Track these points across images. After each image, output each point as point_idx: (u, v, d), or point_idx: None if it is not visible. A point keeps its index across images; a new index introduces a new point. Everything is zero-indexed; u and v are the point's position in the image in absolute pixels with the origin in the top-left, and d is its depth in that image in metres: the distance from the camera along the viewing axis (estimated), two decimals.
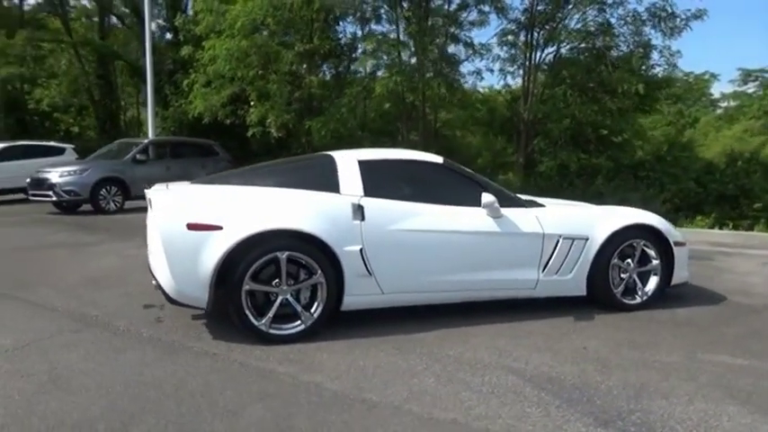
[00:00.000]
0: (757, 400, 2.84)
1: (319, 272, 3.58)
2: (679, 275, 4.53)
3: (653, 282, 4.44)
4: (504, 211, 4.07)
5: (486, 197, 3.93)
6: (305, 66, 14.72)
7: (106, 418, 2.58)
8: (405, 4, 13.72)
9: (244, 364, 3.22)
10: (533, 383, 2.99)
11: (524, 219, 4.11)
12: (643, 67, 13.69)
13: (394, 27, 13.76)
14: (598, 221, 4.29)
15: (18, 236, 8.20)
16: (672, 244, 4.43)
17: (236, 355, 3.34)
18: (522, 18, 14.31)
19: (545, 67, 14.46)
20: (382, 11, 13.95)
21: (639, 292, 4.40)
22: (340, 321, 3.81)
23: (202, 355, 3.36)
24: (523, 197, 4.84)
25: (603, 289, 4.29)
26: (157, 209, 3.50)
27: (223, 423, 2.54)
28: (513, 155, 15.16)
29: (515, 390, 2.92)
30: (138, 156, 11.80)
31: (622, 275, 4.37)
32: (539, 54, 14.44)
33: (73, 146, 15.69)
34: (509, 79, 15.50)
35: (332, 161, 4.01)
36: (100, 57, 20.64)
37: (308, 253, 3.55)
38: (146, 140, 12.56)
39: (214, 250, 3.40)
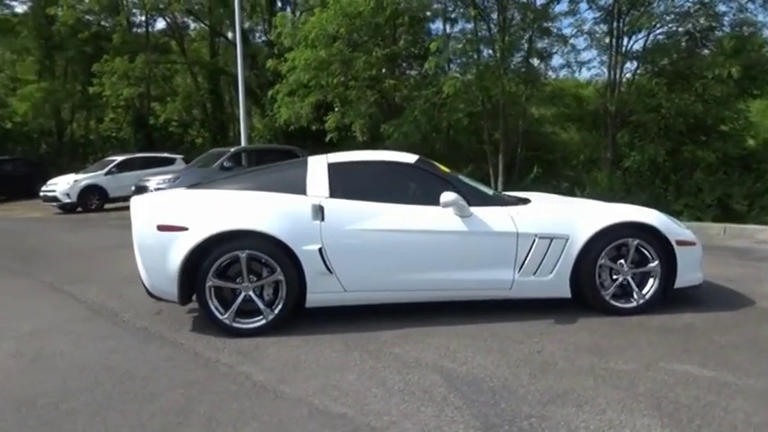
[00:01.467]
0: (684, 413, 2.59)
1: (278, 270, 3.78)
2: (686, 278, 4.15)
3: (651, 284, 4.12)
4: (475, 210, 4.00)
5: (445, 196, 3.89)
6: (383, 70, 15.00)
7: (50, 393, 2.97)
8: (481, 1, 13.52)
9: (198, 354, 3.50)
10: (452, 384, 2.96)
11: (496, 218, 4.00)
12: (749, 48, 12.30)
13: (475, 25, 13.62)
14: (581, 220, 4.06)
15: (113, 236, 9.32)
16: (673, 243, 4.07)
17: (197, 346, 3.63)
18: (611, 4, 13.48)
19: (634, 54, 13.49)
20: (456, 8, 13.85)
21: (636, 296, 4.10)
22: (313, 318, 3.98)
23: (169, 344, 3.69)
24: (516, 195, 4.72)
25: (591, 291, 4.05)
26: (133, 212, 3.90)
27: (137, 405, 2.81)
28: (603, 151, 14.29)
29: (428, 389, 2.91)
30: (225, 163, 12.78)
31: (615, 277, 4.10)
32: (628, 41, 13.51)
33: (182, 156, 17.30)
34: (595, 70, 14.68)
35: (304, 164, 4.20)
36: (210, 73, 22.53)
37: (267, 252, 3.76)
38: (232, 149, 13.55)
39: (180, 249, 3.72)
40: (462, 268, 3.97)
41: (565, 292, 4.06)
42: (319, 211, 3.87)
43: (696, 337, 3.61)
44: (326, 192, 4.00)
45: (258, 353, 3.50)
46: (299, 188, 4.01)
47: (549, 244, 3.99)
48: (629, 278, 4.11)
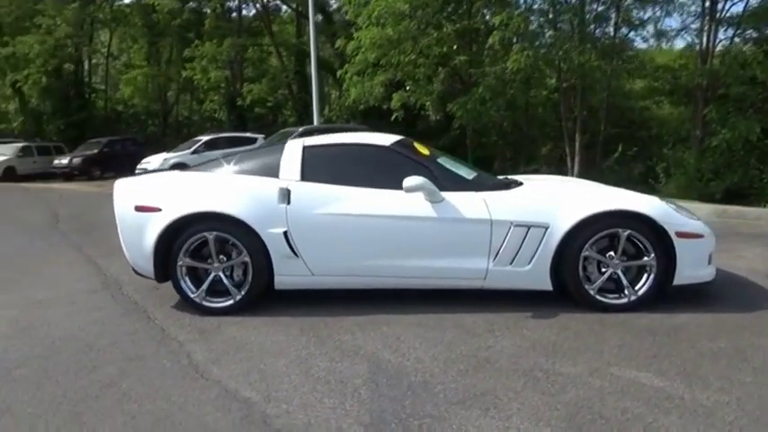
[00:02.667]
0: (595, 426, 2.34)
1: (245, 252, 3.84)
2: (689, 273, 3.72)
3: (645, 280, 3.73)
4: (447, 195, 3.81)
5: (408, 181, 3.73)
6: (455, 46, 14.58)
7: (14, 360, 3.24)
8: None
9: (162, 330, 3.66)
10: (374, 377, 2.87)
11: (469, 203, 3.79)
12: None
13: None
14: (564, 208, 3.74)
15: None
16: (671, 235, 3.64)
17: (167, 323, 3.79)
18: None
19: (731, 21, 12.09)
20: None
21: (627, 291, 3.73)
22: (287, 300, 4.01)
23: (144, 319, 3.89)
24: (511, 178, 4.45)
25: (574, 285, 3.75)
26: (116, 193, 4.11)
27: (73, 376, 3.00)
28: (693, 128, 13.01)
29: (346, 380, 2.84)
30: None
31: (604, 270, 3.76)
32: (723, 5, 12.14)
33: (264, 135, 18.01)
34: (685, 39, 13.36)
35: (282, 147, 4.20)
36: (296, 54, 23.12)
37: (233, 234, 3.83)
38: (300, 129, 13.86)
39: (154, 229, 3.88)
40: (432, 256, 3.81)
41: (545, 284, 3.78)
42: (286, 195, 3.87)
43: (678, 341, 3.23)
44: (298, 175, 3.98)
45: (215, 332, 3.59)
46: (274, 171, 4.03)
47: (527, 232, 3.72)
48: (620, 272, 3.75)
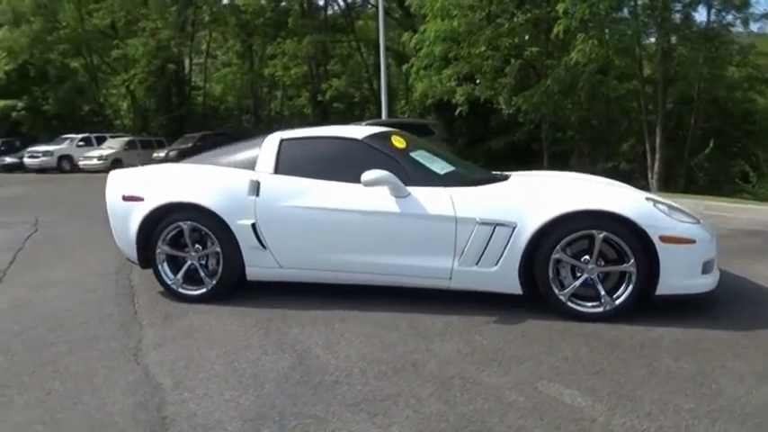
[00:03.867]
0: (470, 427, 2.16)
1: (215, 242, 3.92)
2: (676, 283, 3.33)
3: (624, 288, 3.38)
4: (414, 189, 3.67)
5: (366, 175, 3.61)
6: (527, 37, 14.00)
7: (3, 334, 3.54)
8: None
9: (133, 314, 3.83)
10: (290, 373, 2.82)
11: (434, 199, 3.62)
12: None
13: None
14: (534, 205, 3.47)
15: None
16: (654, 239, 3.27)
17: (143, 307, 3.96)
18: None
19: None
20: None
21: (603, 299, 3.40)
22: (264, 291, 4.03)
23: (126, 302, 4.08)
24: (503, 174, 4.22)
25: (544, 289, 3.48)
26: (108, 183, 4.33)
27: (30, 352, 3.21)
28: None
29: (260, 375, 2.81)
30: None
31: (578, 275, 3.45)
32: None
33: None
34: None
35: (262, 140, 4.23)
36: (376, 50, 23.28)
37: (206, 224, 3.93)
38: (363, 123, 13.94)
39: (136, 217, 4.06)
40: (396, 253, 3.69)
41: (513, 287, 3.54)
42: (255, 187, 3.90)
43: (636, 357, 2.90)
44: (272, 168, 4.01)
45: (177, 319, 3.70)
46: (251, 164, 4.07)
47: (493, 231, 3.49)
48: (595, 278, 3.42)
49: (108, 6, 26.77)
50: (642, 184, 14.24)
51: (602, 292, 3.40)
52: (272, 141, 4.15)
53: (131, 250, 4.16)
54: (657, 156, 13.04)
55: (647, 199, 3.46)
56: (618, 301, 3.38)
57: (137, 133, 27.04)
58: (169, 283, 4.06)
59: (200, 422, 2.38)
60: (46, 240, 6.81)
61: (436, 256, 3.61)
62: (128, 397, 2.63)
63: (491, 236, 3.50)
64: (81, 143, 24.40)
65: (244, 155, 4.21)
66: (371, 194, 3.69)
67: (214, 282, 3.97)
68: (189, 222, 3.96)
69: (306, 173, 3.93)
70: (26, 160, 23.90)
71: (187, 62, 29.33)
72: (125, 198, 4.15)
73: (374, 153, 3.91)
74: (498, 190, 3.71)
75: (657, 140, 12.97)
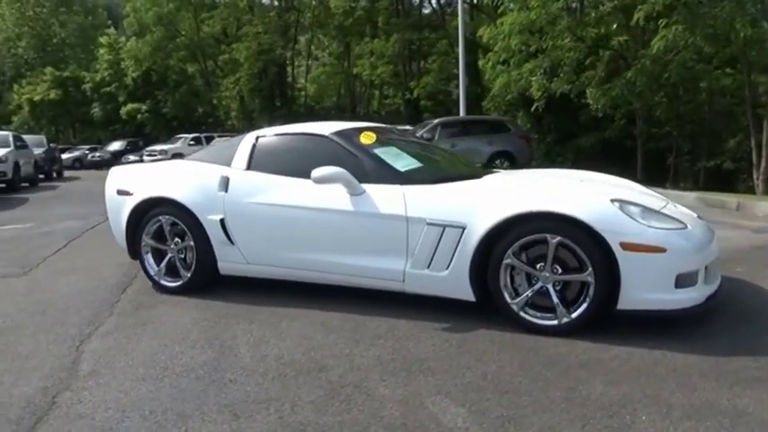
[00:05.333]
0: None
1: (189, 236, 4.03)
2: (642, 296, 2.93)
3: (582, 300, 3.02)
4: (370, 187, 3.53)
5: (316, 171, 3.51)
6: (615, 26, 12.99)
7: None
8: None
9: (115, 302, 4.03)
10: (198, 370, 2.81)
11: (387, 197, 3.45)
12: None
13: None
14: (485, 205, 3.19)
15: None
16: (613, 246, 2.89)
17: (127, 296, 4.14)
18: None
19: None
20: None
21: (558, 311, 3.06)
22: (244, 287, 4.07)
23: (120, 292, 4.27)
24: (482, 171, 3.97)
25: (496, 297, 3.20)
26: (107, 179, 4.58)
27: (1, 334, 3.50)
28: None
29: (172, 369, 2.82)
30: (425, 135, 13.09)
31: (534, 282, 3.13)
32: None
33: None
34: None
35: (242, 137, 4.28)
36: (467, 47, 22.84)
37: (181, 219, 4.04)
38: (435, 121, 13.73)
39: (126, 210, 4.27)
40: (350, 252, 3.57)
41: (465, 293, 3.29)
42: (225, 183, 3.95)
43: (566, 378, 2.57)
44: (245, 164, 4.04)
45: (146, 309, 3.84)
46: (228, 160, 4.14)
47: (442, 232, 3.27)
48: (550, 287, 3.09)
49: (219, 14, 28.68)
50: (749, 186, 12.73)
51: (557, 303, 3.06)
52: (249, 138, 4.19)
53: (122, 242, 4.39)
54: (765, 153, 11.57)
55: (614, 201, 3.04)
56: (574, 315, 3.03)
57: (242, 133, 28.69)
58: (152, 274, 4.23)
59: (78, 411, 2.44)
60: (103, 231, 7.38)
61: (389, 258, 3.45)
62: (41, 381, 2.75)
63: (440, 238, 3.27)
64: (192, 142, 26.35)
65: (226, 152, 4.28)
66: (328, 192, 3.60)
67: (189, 275, 4.09)
68: (167, 216, 4.10)
69: (274, 170, 3.92)
70: (145, 158, 26.27)
71: (288, 63, 30.63)
72: (118, 192, 4.38)
73: (338, 149, 3.81)
74: (453, 189, 3.45)
75: (765, 137, 11.50)
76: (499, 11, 12.79)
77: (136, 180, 4.35)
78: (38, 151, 18.56)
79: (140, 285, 4.41)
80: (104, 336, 3.36)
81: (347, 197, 3.54)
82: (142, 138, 31.04)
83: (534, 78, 13.57)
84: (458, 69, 22.19)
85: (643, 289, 2.91)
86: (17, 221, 8.44)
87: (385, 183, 3.54)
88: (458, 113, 23.08)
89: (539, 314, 3.12)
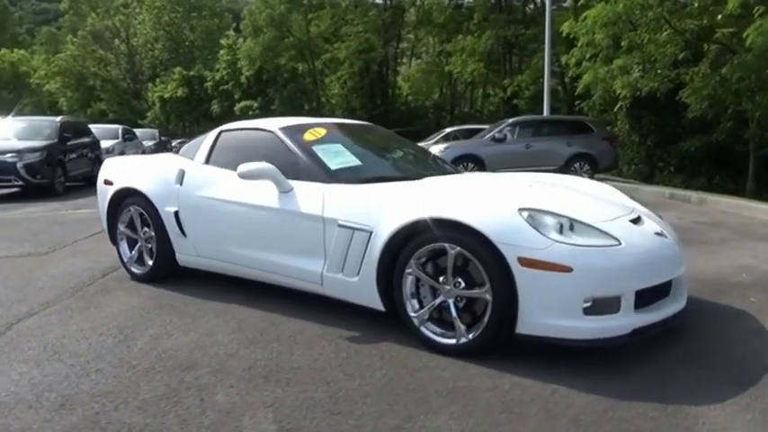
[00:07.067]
0: None
1: (152, 226, 4.15)
2: (542, 321, 2.56)
3: (480, 319, 2.69)
4: (297, 184, 3.41)
5: (242, 167, 3.42)
6: (720, 16, 11.54)
7: None
8: None
9: (89, 284, 4.25)
10: (99, 359, 2.85)
11: (308, 195, 3.31)
12: None
13: None
14: (393, 209, 2.94)
15: None
16: (510, 261, 2.54)
17: (107, 279, 4.37)
18: None
19: None
20: None
21: (457, 330, 2.75)
22: (213, 282, 4.11)
23: (101, 277, 4.53)
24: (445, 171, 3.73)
25: (399, 309, 2.95)
26: (100, 170, 4.82)
27: None
28: None
29: (83, 356, 2.86)
30: (496, 135, 12.56)
31: (439, 296, 2.85)
32: None
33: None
34: None
35: (210, 132, 4.32)
36: (565, 42, 21.61)
37: (145, 209, 4.18)
38: (510, 120, 13.10)
39: (107, 199, 4.50)
40: (275, 250, 3.47)
41: (374, 301, 3.07)
42: (181, 176, 4.02)
43: (419, 404, 2.30)
44: (204, 158, 4.09)
45: (101, 295, 3.97)
46: (194, 154, 4.21)
47: (351, 236, 3.07)
48: (451, 302, 2.78)
49: (325, 14, 29.58)
50: None
51: (456, 321, 2.75)
52: (214, 132, 4.23)
53: (106, 229, 4.62)
54: None
55: (523, 209, 2.66)
56: (471, 336, 2.70)
57: None
58: (125, 260, 4.41)
59: None
60: None
61: (308, 259, 3.31)
62: None
63: (350, 241, 3.08)
64: None
65: (196, 146, 4.36)
66: (260, 188, 3.52)
67: (150, 264, 4.21)
68: (135, 207, 4.25)
69: (226, 164, 3.92)
70: None
71: (391, 61, 30.86)
72: (105, 182, 4.62)
73: (280, 145, 3.72)
74: (370, 190, 3.21)
75: None
76: (579, 2, 11.86)
77: (118, 171, 4.56)
78: (149, 143, 20.39)
79: (122, 272, 4.61)
80: (44, 315, 3.54)
81: (276, 194, 3.45)
82: None
83: (626, 77, 12.49)
84: (552, 66, 21.17)
85: (543, 313, 2.53)
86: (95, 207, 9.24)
87: (314, 181, 3.40)
88: (556, 113, 21.99)
89: (439, 331, 2.83)
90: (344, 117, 32.67)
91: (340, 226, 3.11)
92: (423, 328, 2.86)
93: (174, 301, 3.77)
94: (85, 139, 13.04)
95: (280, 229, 3.44)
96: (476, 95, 31.46)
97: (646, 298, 2.67)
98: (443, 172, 4.03)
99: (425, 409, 2.26)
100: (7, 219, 7.86)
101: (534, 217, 2.64)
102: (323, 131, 3.87)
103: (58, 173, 11.11)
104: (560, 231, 2.61)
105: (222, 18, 46.65)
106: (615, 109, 12.47)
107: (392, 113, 30.39)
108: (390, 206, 2.98)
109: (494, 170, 11.34)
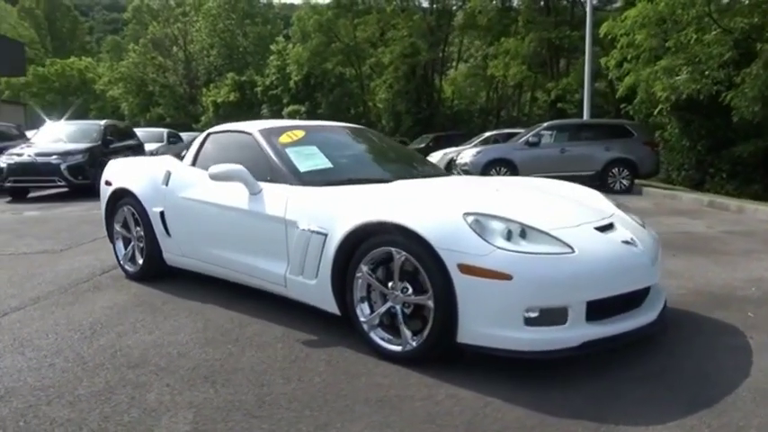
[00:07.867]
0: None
1: (142, 226, 4.25)
2: (482, 330, 2.46)
3: (424, 327, 2.61)
4: (267, 186, 3.42)
5: (212, 168, 3.45)
6: (764, 5, 10.86)
7: None
8: None
9: (86, 281, 4.40)
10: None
11: (274, 198, 3.31)
12: None
13: None
14: (346, 212, 2.89)
15: None
16: (449, 267, 2.45)
17: (105, 277, 4.51)
18: None
19: None
20: None
21: (403, 337, 2.68)
22: (200, 281, 4.16)
23: (99, 274, 4.69)
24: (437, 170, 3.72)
25: (350, 313, 2.91)
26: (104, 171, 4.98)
27: None
28: None
29: (60, 354, 3.00)
30: (530, 139, 12.25)
31: (389, 301, 2.78)
32: None
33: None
34: None
35: (201, 134, 4.39)
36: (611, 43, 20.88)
37: (136, 209, 4.28)
38: (545, 124, 12.76)
39: (105, 199, 4.65)
40: (244, 251, 3.49)
41: (330, 304, 3.03)
42: (167, 177, 4.10)
43: (341, 413, 2.24)
44: (191, 160, 4.16)
45: (92, 292, 4.10)
46: (183, 156, 4.29)
47: (309, 238, 3.05)
48: (398, 308, 2.71)
49: (371, 19, 29.78)
50: None
51: (402, 327, 2.68)
52: (202, 135, 4.30)
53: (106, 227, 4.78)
54: None
55: (469, 214, 2.56)
56: (415, 342, 2.62)
57: (391, 135, 29.47)
58: (120, 258, 4.54)
59: None
60: None
61: (272, 260, 3.31)
62: None
63: (308, 243, 3.05)
64: None
65: (189, 147, 4.44)
66: (233, 190, 3.55)
67: (140, 262, 4.32)
68: (128, 207, 4.37)
69: (208, 166, 3.96)
70: None
71: (437, 65, 30.72)
72: (105, 183, 4.77)
73: (256, 147, 3.74)
74: (330, 193, 3.17)
75: None
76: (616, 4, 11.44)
77: (117, 172, 4.70)
78: (154, 146, 20.92)
79: (120, 270, 4.74)
80: (30, 310, 3.68)
81: (245, 196, 3.47)
82: None
83: (666, 78, 11.93)
84: (598, 69, 20.51)
85: (483, 322, 2.43)
86: None
87: (282, 183, 3.40)
88: (603, 116, 21.31)
89: (387, 337, 2.76)
90: (390, 120, 32.92)
91: (300, 229, 3.09)
92: (372, 334, 2.80)
93: (154, 300, 3.85)
94: (129, 142, 13.56)
95: (248, 231, 3.45)
96: (524, 99, 30.89)
97: (601, 310, 2.52)
98: (425, 175, 3.95)
99: (346, 417, 2.20)
100: (41, 217, 8.27)
101: (480, 222, 2.54)
102: (301, 134, 3.86)
103: (101, 174, 11.59)
104: (508, 237, 2.50)
105: (274, 24, 47.74)
106: (656, 112, 11.90)
107: (437, 117, 30.24)
108: (347, 209, 2.94)
109: (527, 176, 11.08)
